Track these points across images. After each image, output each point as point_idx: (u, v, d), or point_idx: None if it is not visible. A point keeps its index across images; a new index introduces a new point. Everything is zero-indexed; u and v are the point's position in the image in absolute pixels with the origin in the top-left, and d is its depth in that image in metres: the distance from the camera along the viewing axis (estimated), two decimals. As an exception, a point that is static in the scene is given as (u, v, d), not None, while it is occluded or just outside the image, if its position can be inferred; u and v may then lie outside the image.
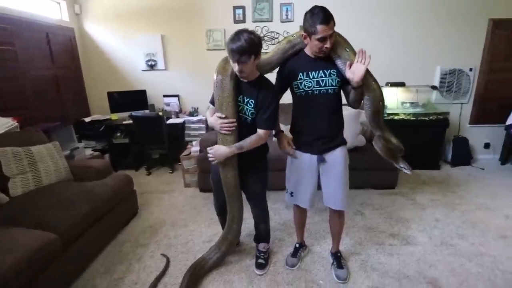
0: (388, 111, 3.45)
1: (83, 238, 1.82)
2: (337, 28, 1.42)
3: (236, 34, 1.36)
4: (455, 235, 2.18)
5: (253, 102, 1.51)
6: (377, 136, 1.57)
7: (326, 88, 1.47)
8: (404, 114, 3.43)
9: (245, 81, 1.51)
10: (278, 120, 1.75)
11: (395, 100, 3.59)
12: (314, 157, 1.59)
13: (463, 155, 3.62)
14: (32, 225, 1.64)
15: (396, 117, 3.40)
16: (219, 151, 1.53)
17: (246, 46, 1.32)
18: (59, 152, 2.31)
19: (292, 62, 1.54)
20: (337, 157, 1.58)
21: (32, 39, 2.97)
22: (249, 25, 3.48)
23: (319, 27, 1.32)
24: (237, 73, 1.44)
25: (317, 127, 1.54)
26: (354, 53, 1.40)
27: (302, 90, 1.51)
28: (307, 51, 1.49)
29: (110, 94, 3.65)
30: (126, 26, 3.66)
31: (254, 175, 1.71)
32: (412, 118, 3.40)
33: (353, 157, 2.72)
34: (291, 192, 1.73)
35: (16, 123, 2.44)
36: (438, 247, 2.04)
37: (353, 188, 2.90)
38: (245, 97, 1.53)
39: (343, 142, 1.61)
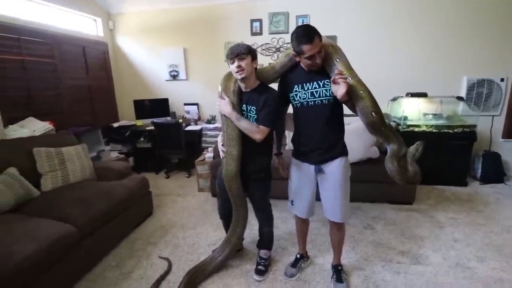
0: (409, 123, 3.32)
1: (99, 233, 1.99)
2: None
3: (235, 45, 1.56)
4: (473, 257, 2.03)
5: (255, 108, 1.59)
6: (389, 156, 1.40)
7: (321, 99, 1.49)
8: (426, 126, 3.27)
9: (248, 90, 1.60)
10: (281, 142, 1.85)
11: (416, 112, 3.45)
12: (312, 167, 1.60)
13: (495, 171, 3.34)
14: (56, 217, 1.83)
15: (417, 129, 3.27)
16: (224, 106, 1.59)
17: (242, 46, 1.53)
18: (86, 154, 2.55)
19: (289, 74, 1.59)
20: (335, 168, 1.56)
21: (70, 52, 3.34)
22: (266, 37, 3.60)
23: (305, 48, 1.35)
24: (235, 72, 1.52)
25: (313, 138, 1.55)
26: (344, 62, 1.40)
27: (298, 101, 1.54)
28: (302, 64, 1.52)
29: (136, 102, 3.95)
30: (152, 40, 3.98)
31: (257, 184, 1.76)
32: (434, 131, 3.23)
33: (366, 169, 2.70)
34: (292, 201, 1.75)
35: (52, 127, 2.74)
36: (452, 269, 1.91)
37: (366, 201, 2.85)
38: (248, 106, 1.61)
39: (343, 153, 1.59)
